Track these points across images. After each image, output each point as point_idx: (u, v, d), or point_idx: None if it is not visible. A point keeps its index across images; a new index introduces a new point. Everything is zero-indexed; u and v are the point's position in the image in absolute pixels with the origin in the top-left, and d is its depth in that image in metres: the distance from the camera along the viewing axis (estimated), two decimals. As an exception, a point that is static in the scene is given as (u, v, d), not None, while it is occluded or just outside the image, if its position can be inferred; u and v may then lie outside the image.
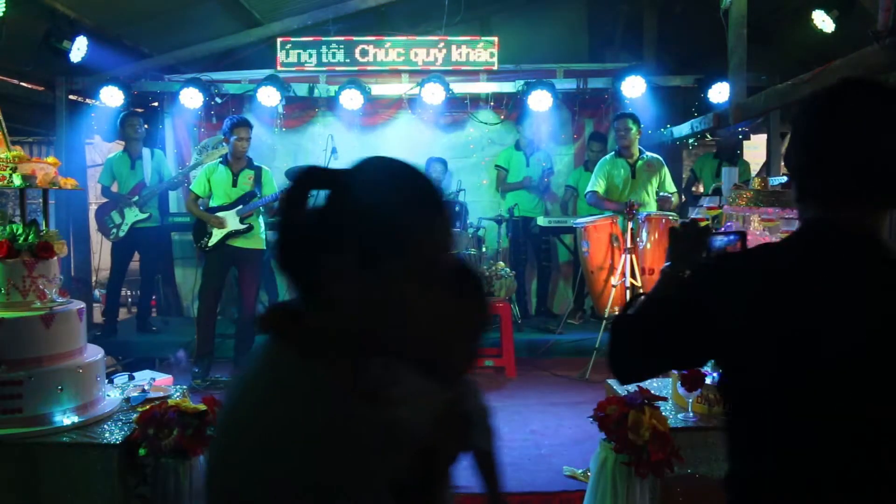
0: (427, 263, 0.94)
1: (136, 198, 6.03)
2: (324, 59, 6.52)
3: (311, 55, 6.51)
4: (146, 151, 6.18)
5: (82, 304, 3.10)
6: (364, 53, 6.54)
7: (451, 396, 1.07)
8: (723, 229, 2.95)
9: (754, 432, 1.21)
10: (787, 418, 1.16)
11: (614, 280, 5.10)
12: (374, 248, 0.91)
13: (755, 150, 8.30)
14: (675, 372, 2.83)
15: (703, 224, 1.65)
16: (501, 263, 5.77)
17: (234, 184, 5.34)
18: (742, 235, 1.66)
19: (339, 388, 0.91)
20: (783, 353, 1.15)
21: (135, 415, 2.83)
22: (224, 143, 5.47)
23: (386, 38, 6.62)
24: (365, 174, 0.97)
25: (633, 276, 4.99)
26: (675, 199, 5.57)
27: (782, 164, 6.33)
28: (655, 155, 5.75)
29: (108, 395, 3.15)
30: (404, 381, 1.00)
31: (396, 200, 0.94)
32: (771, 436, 1.18)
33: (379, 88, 6.61)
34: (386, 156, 1.00)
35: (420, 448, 0.97)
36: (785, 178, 3.53)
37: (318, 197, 0.97)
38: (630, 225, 5.07)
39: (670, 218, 5.13)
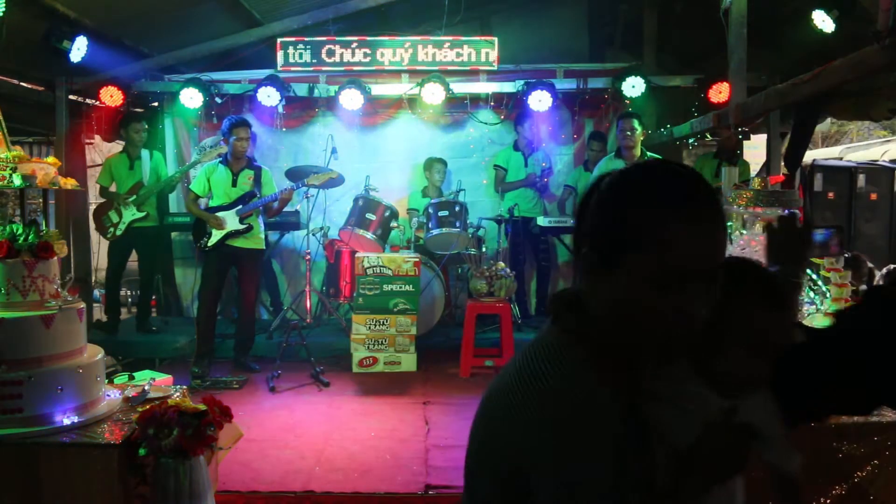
0: (703, 267, 0.92)
1: (134, 197, 6.03)
2: (323, 59, 6.51)
3: (310, 55, 6.50)
4: (145, 152, 6.19)
5: (82, 304, 3.09)
6: (365, 54, 6.53)
7: (729, 406, 1.04)
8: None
9: None
10: None
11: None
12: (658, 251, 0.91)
13: (755, 150, 8.29)
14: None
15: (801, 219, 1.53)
16: (501, 263, 5.76)
17: (234, 184, 5.34)
18: (839, 229, 1.59)
19: (602, 377, 0.92)
20: None
21: (135, 415, 2.83)
22: (223, 143, 5.47)
23: (397, 38, 6.60)
24: (632, 175, 0.99)
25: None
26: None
27: (782, 163, 6.33)
28: (657, 156, 5.74)
29: (108, 395, 3.15)
30: (673, 382, 1.00)
31: (660, 203, 0.93)
32: None
33: (379, 88, 6.60)
34: (664, 159, 1.03)
35: (680, 452, 0.95)
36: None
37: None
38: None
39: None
